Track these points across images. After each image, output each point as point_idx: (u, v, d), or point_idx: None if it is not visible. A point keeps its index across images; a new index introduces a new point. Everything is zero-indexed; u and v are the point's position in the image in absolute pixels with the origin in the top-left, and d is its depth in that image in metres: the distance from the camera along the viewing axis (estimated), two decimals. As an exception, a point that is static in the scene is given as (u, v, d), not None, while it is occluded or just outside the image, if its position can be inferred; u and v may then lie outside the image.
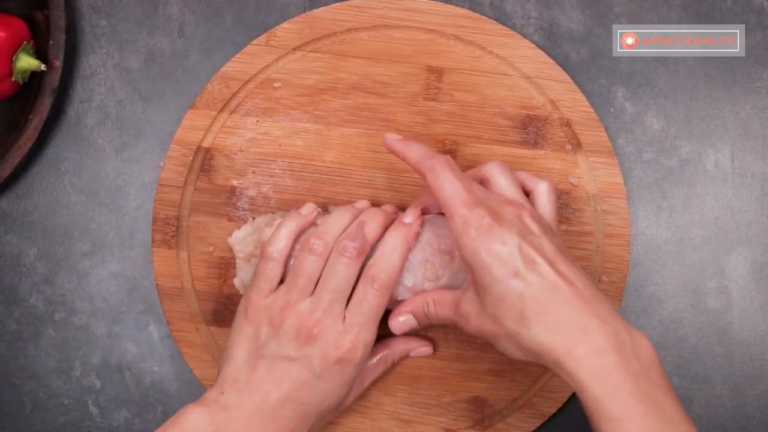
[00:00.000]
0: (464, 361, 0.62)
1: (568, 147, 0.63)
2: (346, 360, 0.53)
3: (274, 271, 0.55)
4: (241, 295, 0.62)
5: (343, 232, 0.55)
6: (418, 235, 0.56)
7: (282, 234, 0.56)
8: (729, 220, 0.64)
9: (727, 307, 0.64)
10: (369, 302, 0.54)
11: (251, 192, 0.63)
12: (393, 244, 0.54)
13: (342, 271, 0.53)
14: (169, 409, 0.64)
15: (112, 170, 0.64)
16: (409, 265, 0.56)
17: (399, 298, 0.57)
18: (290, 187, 0.63)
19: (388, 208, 0.58)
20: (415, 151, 0.53)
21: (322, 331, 0.53)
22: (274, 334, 0.53)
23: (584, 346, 0.47)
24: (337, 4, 0.63)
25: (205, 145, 0.63)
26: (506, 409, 0.62)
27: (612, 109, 0.64)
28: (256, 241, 0.59)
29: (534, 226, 0.51)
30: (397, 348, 0.60)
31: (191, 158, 0.62)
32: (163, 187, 0.62)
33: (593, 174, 0.62)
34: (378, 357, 0.59)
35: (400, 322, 0.57)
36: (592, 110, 0.63)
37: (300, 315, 0.53)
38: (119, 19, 0.65)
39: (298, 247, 0.56)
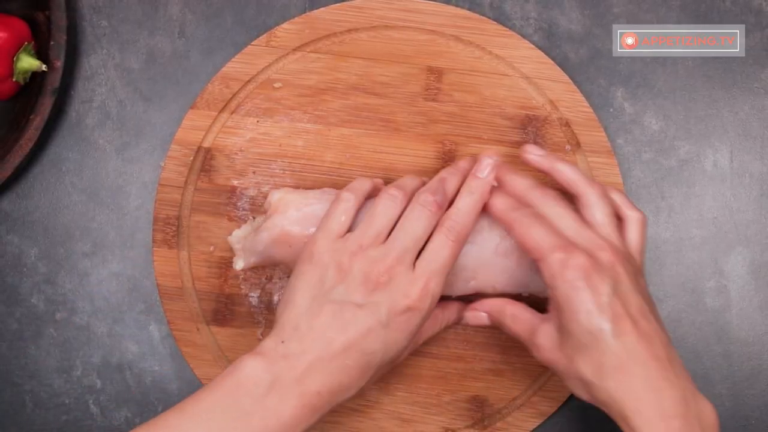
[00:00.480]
0: (464, 361, 0.62)
1: (568, 147, 0.63)
2: (414, 309, 0.52)
3: (347, 213, 0.54)
4: (243, 294, 0.63)
5: (420, 188, 0.55)
6: (491, 187, 0.55)
7: (361, 182, 0.55)
8: (728, 220, 0.64)
9: (726, 306, 0.64)
10: (443, 254, 0.52)
11: (251, 192, 0.63)
12: (468, 200, 0.54)
13: (420, 221, 0.53)
14: (170, 408, 0.64)
15: (113, 170, 0.64)
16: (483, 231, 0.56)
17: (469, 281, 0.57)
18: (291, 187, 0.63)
19: (465, 164, 0.57)
20: (500, 201, 0.55)
21: (392, 278, 0.51)
22: (342, 279, 0.51)
23: (653, 409, 0.48)
24: (337, 4, 0.63)
25: (206, 145, 0.63)
26: (506, 409, 0.62)
27: (611, 110, 0.65)
28: None
29: (626, 277, 0.51)
30: (453, 311, 0.58)
31: (192, 158, 0.63)
32: (164, 187, 0.63)
33: (592, 174, 0.63)
34: (437, 317, 0.58)
35: (476, 316, 0.57)
36: (591, 110, 0.63)
37: (371, 260, 0.52)
38: (120, 20, 0.65)
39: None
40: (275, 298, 0.62)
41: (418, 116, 0.63)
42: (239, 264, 0.59)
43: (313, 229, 0.55)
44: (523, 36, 0.63)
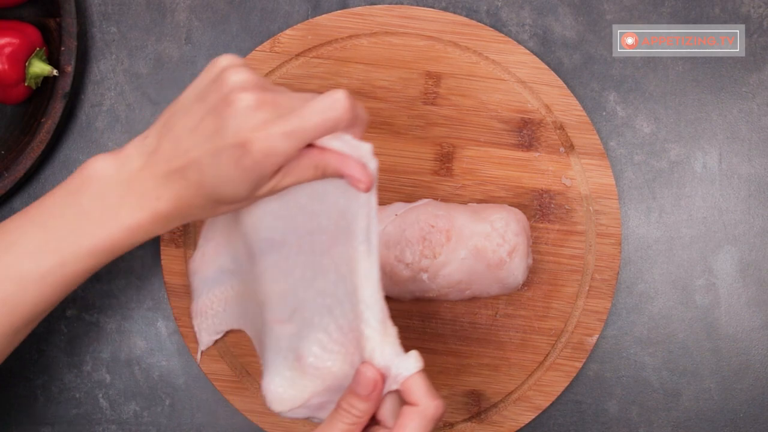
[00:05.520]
0: (461, 356, 0.63)
1: (562, 149, 0.64)
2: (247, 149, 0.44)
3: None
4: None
5: None
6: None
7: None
8: (716, 219, 0.65)
9: (715, 303, 0.65)
10: (306, 120, 0.45)
11: (256, 193, 0.64)
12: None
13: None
14: (177, 402, 0.65)
15: None
16: (405, 240, 0.56)
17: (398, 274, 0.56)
18: (294, 188, 0.64)
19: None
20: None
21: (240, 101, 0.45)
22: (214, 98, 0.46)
23: None
24: (339, 11, 0.64)
25: None
26: (502, 403, 0.63)
27: (604, 113, 0.65)
28: None
29: None
30: (331, 161, 0.47)
31: (198, 160, 0.63)
32: (171, 188, 0.63)
33: (586, 175, 0.63)
34: (311, 162, 0.47)
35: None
36: (584, 114, 0.63)
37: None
38: (129, 26, 0.65)
39: None
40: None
41: (417, 119, 0.64)
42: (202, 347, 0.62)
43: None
44: (519, 42, 0.64)
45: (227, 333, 0.63)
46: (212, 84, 0.47)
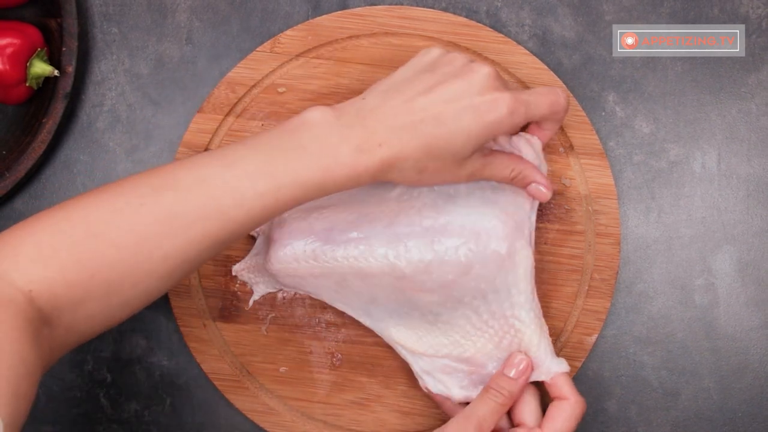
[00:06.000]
0: (461, 356, 0.64)
1: (561, 149, 0.64)
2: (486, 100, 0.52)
3: None
4: (248, 291, 0.64)
5: None
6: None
7: None
8: (715, 219, 0.65)
9: (714, 303, 0.65)
10: (539, 97, 0.56)
11: (256, 193, 0.64)
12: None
13: None
14: (178, 401, 0.65)
15: (122, 172, 0.65)
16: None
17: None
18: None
19: None
20: None
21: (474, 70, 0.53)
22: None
23: None
24: (339, 12, 0.64)
25: (212, 147, 0.64)
26: (502, 402, 0.64)
27: (603, 113, 0.65)
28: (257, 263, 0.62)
29: None
30: (526, 172, 0.57)
31: (199, 160, 0.64)
32: (172, 188, 0.64)
33: (585, 175, 0.64)
34: (511, 164, 0.57)
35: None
36: (584, 114, 0.64)
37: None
38: (130, 27, 0.66)
39: None
40: (279, 295, 0.64)
41: None
42: (255, 296, 0.63)
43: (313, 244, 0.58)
44: (519, 42, 0.64)
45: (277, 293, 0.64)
46: (440, 59, 0.54)
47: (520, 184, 0.57)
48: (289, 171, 0.49)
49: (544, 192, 0.57)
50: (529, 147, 0.59)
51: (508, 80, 0.63)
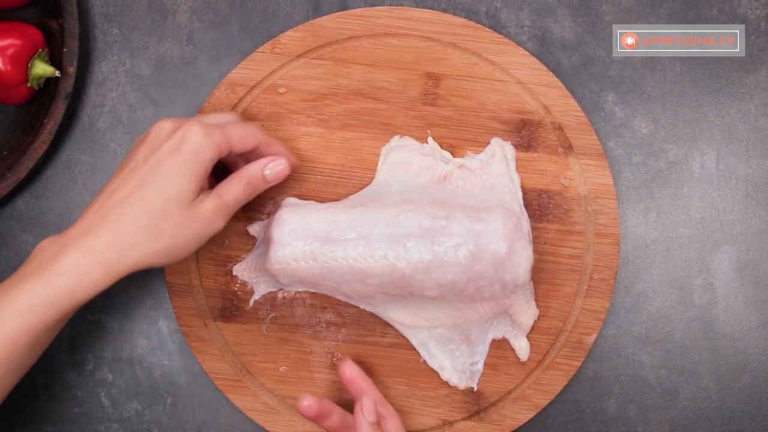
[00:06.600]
0: (461, 355, 0.64)
1: (561, 150, 0.64)
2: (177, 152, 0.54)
3: None
4: (248, 291, 0.64)
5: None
6: None
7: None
8: (714, 219, 0.65)
9: (713, 303, 0.65)
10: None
11: (257, 193, 0.64)
12: None
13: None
14: (179, 400, 0.65)
15: None
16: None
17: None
18: (294, 188, 0.64)
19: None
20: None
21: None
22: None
23: None
24: (339, 13, 0.64)
25: None
26: (501, 401, 0.63)
27: (602, 114, 0.66)
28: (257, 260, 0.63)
29: None
30: (249, 168, 0.58)
31: (199, 161, 0.64)
32: (173, 188, 0.64)
33: (584, 176, 0.64)
34: (237, 179, 0.58)
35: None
36: (583, 115, 0.64)
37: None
38: (130, 28, 0.66)
39: None
40: (279, 295, 0.64)
41: (416, 120, 0.64)
42: (256, 296, 0.63)
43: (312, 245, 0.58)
44: (518, 43, 0.64)
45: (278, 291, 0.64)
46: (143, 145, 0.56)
47: (271, 180, 0.58)
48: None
49: (280, 169, 0.58)
50: (501, 151, 0.63)
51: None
